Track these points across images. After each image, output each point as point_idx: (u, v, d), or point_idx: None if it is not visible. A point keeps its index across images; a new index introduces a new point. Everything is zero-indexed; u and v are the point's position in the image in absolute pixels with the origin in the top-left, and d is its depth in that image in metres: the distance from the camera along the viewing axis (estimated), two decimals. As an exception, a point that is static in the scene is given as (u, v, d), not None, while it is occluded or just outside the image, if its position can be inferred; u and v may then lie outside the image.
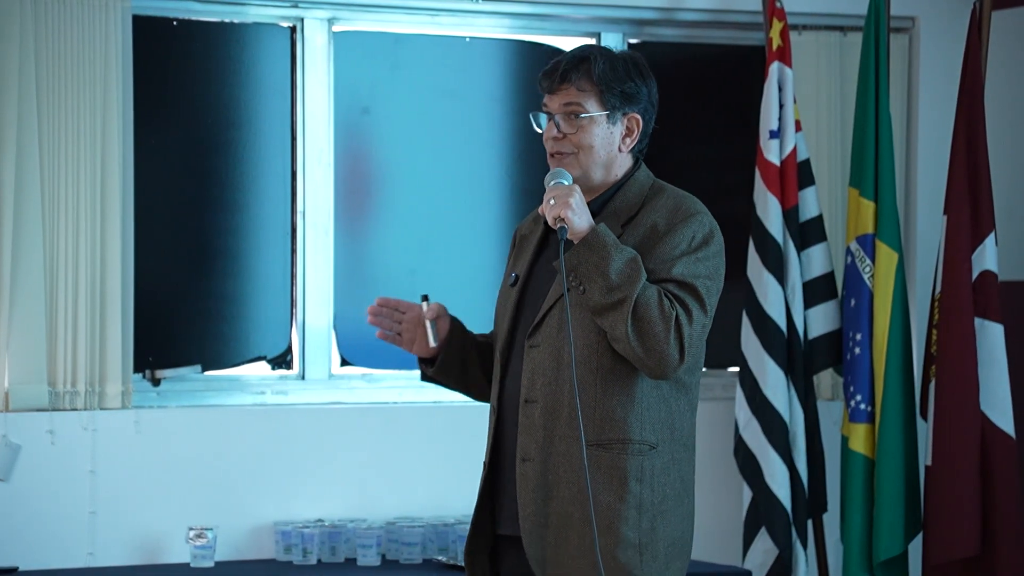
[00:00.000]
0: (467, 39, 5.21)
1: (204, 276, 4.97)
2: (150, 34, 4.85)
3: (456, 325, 3.34)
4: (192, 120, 4.96)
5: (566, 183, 3.12)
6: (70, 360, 4.65)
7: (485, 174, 5.25)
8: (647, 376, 3.08)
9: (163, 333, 4.91)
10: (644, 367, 3.04)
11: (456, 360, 3.31)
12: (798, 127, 5.10)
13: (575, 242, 3.05)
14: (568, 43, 5.30)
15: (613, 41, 5.26)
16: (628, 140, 3.18)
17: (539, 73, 3.20)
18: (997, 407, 4.83)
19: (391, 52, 5.14)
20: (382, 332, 3.31)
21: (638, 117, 3.18)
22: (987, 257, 4.88)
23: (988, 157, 4.93)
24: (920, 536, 4.97)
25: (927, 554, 4.89)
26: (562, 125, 3.15)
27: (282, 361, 5.02)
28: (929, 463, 4.87)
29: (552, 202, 3.05)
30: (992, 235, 4.88)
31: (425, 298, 3.29)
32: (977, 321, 4.85)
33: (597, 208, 3.16)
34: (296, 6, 4.98)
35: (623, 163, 3.20)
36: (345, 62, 5.07)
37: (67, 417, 4.65)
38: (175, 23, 4.92)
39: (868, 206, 5.05)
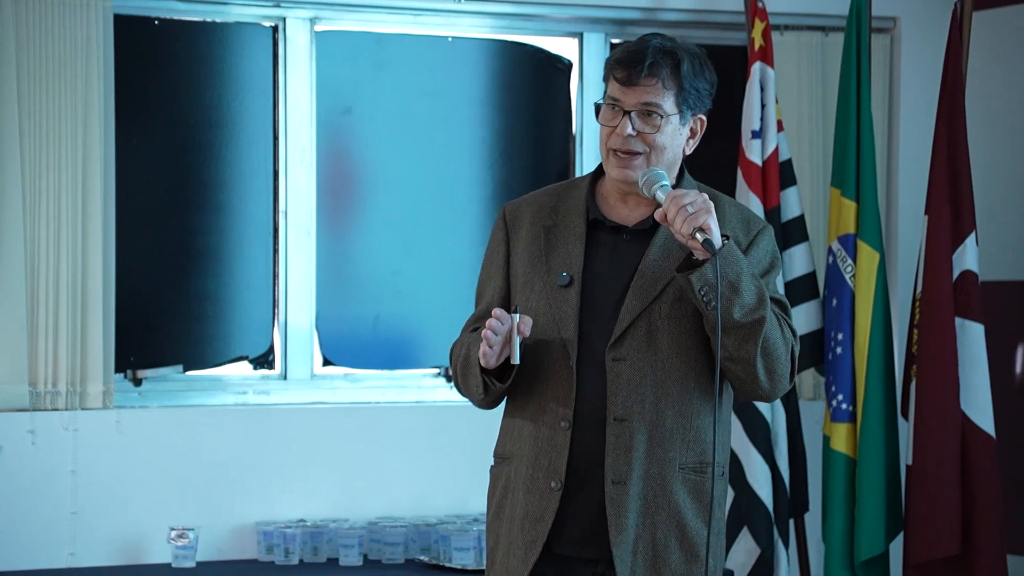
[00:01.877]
0: (449, 39, 5.21)
1: (186, 276, 4.96)
2: (131, 33, 4.84)
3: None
4: (174, 120, 4.95)
5: (669, 186, 2.92)
6: (51, 360, 4.64)
7: (468, 174, 5.24)
8: (745, 399, 2.98)
9: (145, 333, 4.91)
10: (757, 390, 2.93)
11: (519, 374, 3.04)
12: (780, 127, 5.10)
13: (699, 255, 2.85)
14: (550, 43, 5.31)
15: (596, 42, 5.26)
16: (692, 141, 3.03)
17: (610, 59, 2.98)
18: (977, 407, 4.84)
19: (374, 52, 5.14)
20: (487, 350, 2.95)
21: (703, 118, 3.03)
22: (968, 257, 4.89)
23: (969, 157, 4.94)
24: (901, 535, 4.98)
25: (908, 553, 4.90)
26: (637, 123, 2.94)
27: (264, 361, 5.01)
28: (910, 462, 4.88)
29: (690, 210, 2.83)
30: (973, 235, 4.89)
31: (516, 310, 2.98)
32: (958, 321, 4.86)
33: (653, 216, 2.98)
34: (278, 6, 4.98)
35: (680, 164, 3.05)
36: (327, 62, 5.06)
37: (48, 417, 4.64)
38: (157, 22, 4.91)
39: (850, 206, 5.06)
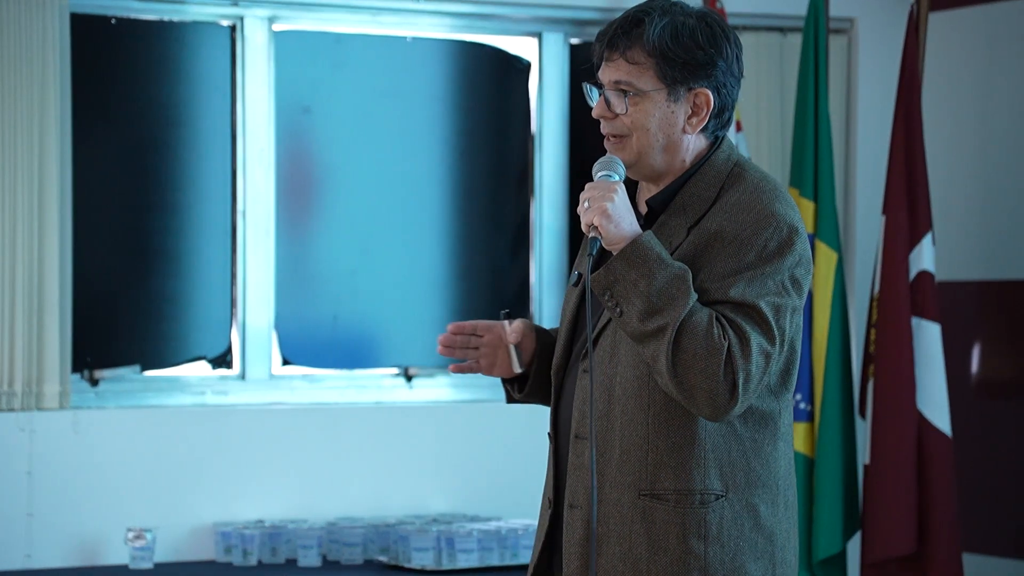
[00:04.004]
0: (408, 39, 5.20)
1: (143, 275, 4.94)
2: (88, 32, 4.81)
3: (542, 338, 2.80)
4: (131, 119, 4.93)
5: (617, 177, 2.59)
6: (7, 360, 4.61)
7: (427, 174, 5.24)
8: (704, 416, 2.54)
9: (102, 333, 4.88)
10: (691, 407, 2.52)
11: (545, 378, 2.78)
12: (739, 127, 5.12)
13: (613, 254, 2.54)
14: (510, 43, 5.31)
15: (555, 42, 5.27)
16: (695, 120, 2.61)
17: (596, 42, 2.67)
18: (934, 406, 4.87)
19: (332, 51, 5.12)
20: (456, 365, 2.78)
21: (708, 92, 2.60)
22: (924, 257, 4.91)
23: (926, 158, 4.97)
24: (859, 534, 5.00)
25: (865, 552, 4.92)
26: (612, 102, 2.61)
27: (222, 361, 4.99)
28: (867, 462, 4.91)
29: (587, 205, 2.54)
30: (929, 235, 4.92)
31: (508, 315, 2.77)
32: (914, 321, 4.89)
33: (662, 203, 2.64)
34: (236, 5, 4.96)
35: (694, 146, 2.64)
36: (286, 61, 5.04)
37: (3, 418, 4.60)
38: (113, 21, 4.88)
39: (808, 206, 5.08)
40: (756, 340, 2.51)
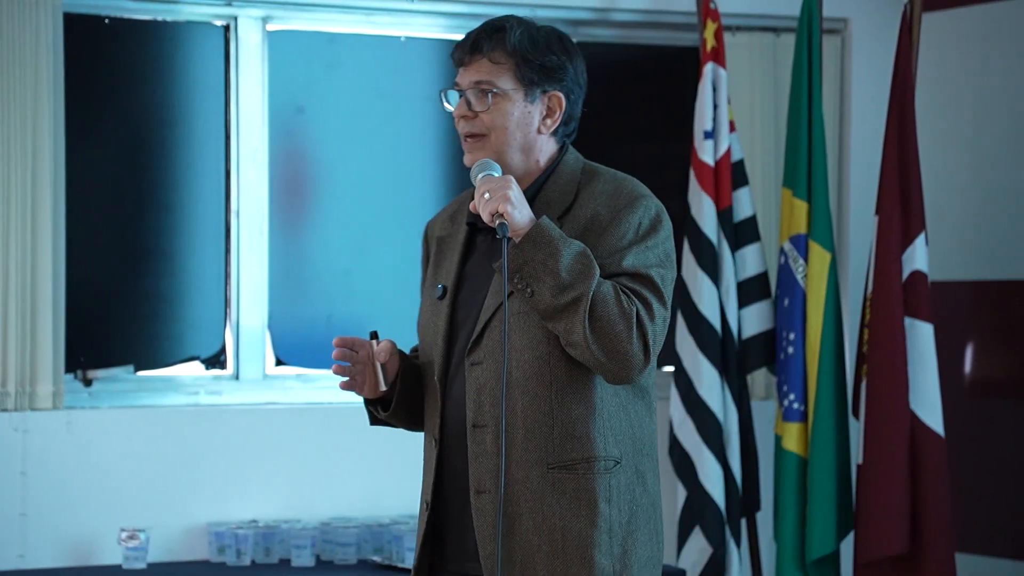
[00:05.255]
0: (402, 39, 5.20)
1: (137, 275, 4.94)
2: (81, 32, 4.81)
3: (406, 362, 2.95)
4: (125, 119, 4.93)
5: (497, 174, 2.80)
6: (0, 360, 4.60)
7: (420, 174, 5.24)
8: (608, 382, 2.77)
9: (95, 333, 4.88)
10: (606, 372, 2.75)
11: (406, 401, 2.93)
12: (732, 128, 5.12)
13: (515, 240, 2.73)
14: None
15: (548, 41, 5.27)
16: (549, 121, 2.86)
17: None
18: (926, 406, 4.87)
19: (326, 51, 5.13)
20: (345, 382, 2.89)
21: (560, 96, 2.86)
22: (917, 257, 4.92)
23: (919, 158, 4.97)
24: (852, 534, 5.00)
25: (858, 552, 4.92)
26: (473, 102, 2.82)
27: (216, 361, 4.99)
28: (860, 462, 4.91)
29: (487, 196, 2.73)
30: (922, 235, 4.93)
31: (374, 335, 2.88)
32: (907, 321, 4.89)
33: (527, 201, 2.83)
34: (230, 5, 4.96)
35: (545, 148, 2.88)
36: (280, 61, 5.05)
37: (-3, 418, 4.61)
38: (107, 21, 4.88)
39: (801, 206, 5.08)
40: (655, 305, 2.78)
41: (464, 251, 2.92)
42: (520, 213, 2.73)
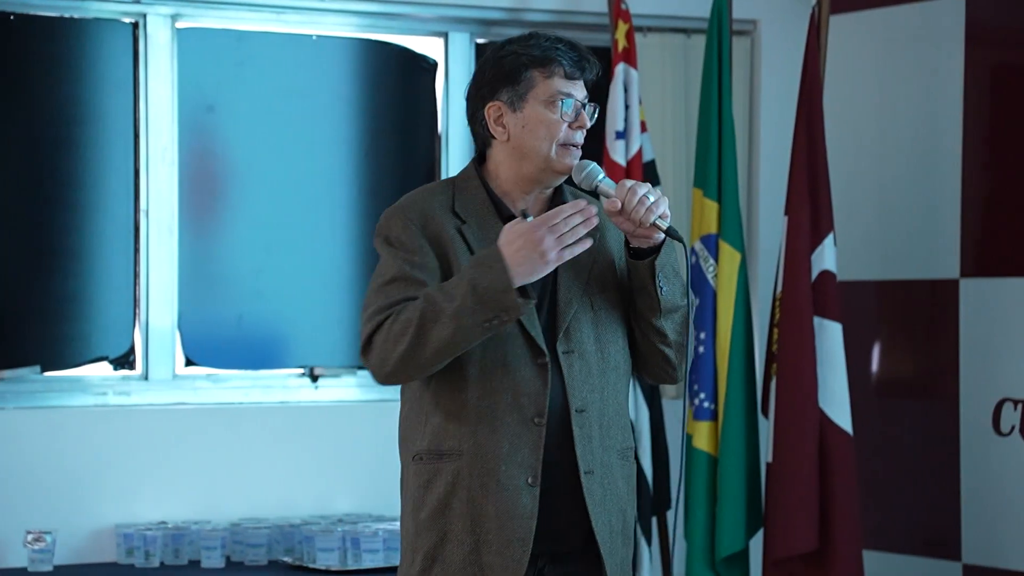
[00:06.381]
0: (314, 37, 5.18)
1: (44, 275, 4.88)
2: (-13, 28, 4.76)
3: None
4: (32, 117, 4.87)
5: (602, 174, 3.06)
6: (-97, 361, 4.55)
7: (332, 173, 5.22)
8: (655, 381, 3.12)
9: (1, 333, 4.82)
10: (667, 371, 3.08)
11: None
12: (644, 128, 5.15)
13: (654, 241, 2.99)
14: (416, 43, 5.31)
15: (461, 42, 5.27)
16: None
17: (546, 54, 3.03)
18: (835, 404, 4.92)
19: (236, 49, 5.09)
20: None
21: None
22: (826, 257, 4.97)
23: (827, 159, 5.02)
24: (761, 532, 5.04)
25: (767, 550, 4.96)
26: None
27: (125, 361, 4.95)
28: (770, 460, 4.95)
29: (652, 198, 2.94)
30: (831, 235, 4.97)
31: (524, 214, 3.01)
32: (816, 320, 4.93)
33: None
34: (138, 2, 4.92)
35: None
36: (189, 59, 5.01)
37: (-100, 420, 4.55)
38: (12, 18, 4.82)
39: (712, 206, 5.12)
40: None
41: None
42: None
